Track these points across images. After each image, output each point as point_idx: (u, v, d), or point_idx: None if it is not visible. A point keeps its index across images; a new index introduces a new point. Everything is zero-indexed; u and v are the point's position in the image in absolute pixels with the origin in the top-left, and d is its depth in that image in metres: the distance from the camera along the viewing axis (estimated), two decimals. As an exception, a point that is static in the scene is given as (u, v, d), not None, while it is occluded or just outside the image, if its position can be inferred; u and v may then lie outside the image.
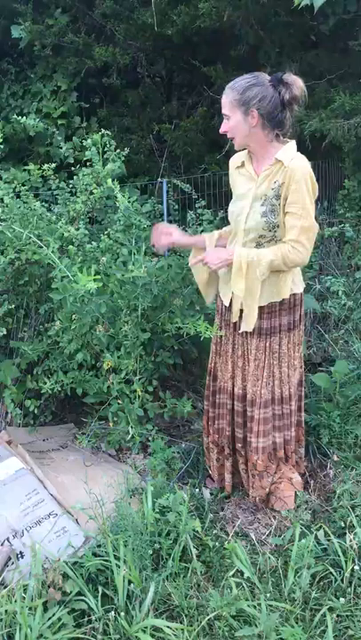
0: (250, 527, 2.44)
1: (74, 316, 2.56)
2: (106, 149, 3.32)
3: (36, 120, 3.36)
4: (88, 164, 3.27)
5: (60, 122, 5.71)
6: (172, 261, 2.77)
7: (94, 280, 2.28)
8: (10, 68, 5.98)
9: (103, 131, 3.26)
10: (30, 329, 3.16)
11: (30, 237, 2.62)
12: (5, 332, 3.06)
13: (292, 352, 2.49)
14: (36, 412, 2.84)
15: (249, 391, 2.47)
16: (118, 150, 3.31)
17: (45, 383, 2.65)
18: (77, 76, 5.71)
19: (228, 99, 2.20)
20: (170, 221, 3.65)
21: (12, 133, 5.38)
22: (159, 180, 3.61)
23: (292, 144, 2.25)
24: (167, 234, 2.44)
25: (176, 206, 3.77)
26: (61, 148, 5.46)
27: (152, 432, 2.70)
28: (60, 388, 2.69)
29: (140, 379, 2.62)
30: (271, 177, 2.24)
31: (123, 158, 3.35)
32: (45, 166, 3.21)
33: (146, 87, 5.36)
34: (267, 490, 2.50)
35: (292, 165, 2.18)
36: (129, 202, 3.03)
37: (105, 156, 3.35)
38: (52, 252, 2.61)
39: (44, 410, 3.02)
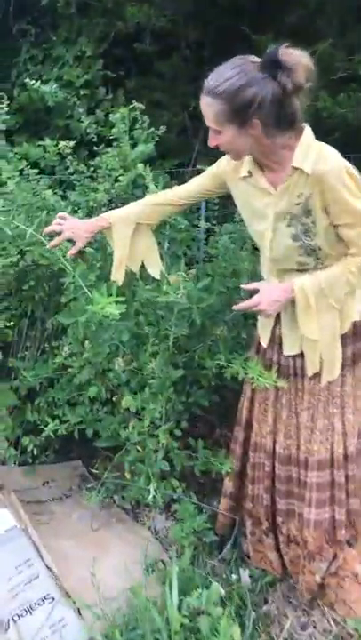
0: (302, 633, 1.88)
1: (87, 342, 1.98)
2: (137, 127, 2.71)
3: (56, 87, 2.75)
4: (115, 143, 2.66)
5: (82, 92, 5.06)
6: (212, 277, 2.18)
7: (116, 303, 1.69)
8: (29, 28, 5.32)
9: (135, 103, 2.64)
10: (34, 344, 2.58)
11: (36, 236, 2.04)
12: (2, 345, 2.51)
13: (358, 391, 1.91)
14: (35, 452, 2.27)
15: (300, 449, 1.90)
16: (152, 129, 2.70)
17: (47, 423, 2.08)
18: (105, 41, 5.06)
19: (211, 109, 1.59)
20: (207, 218, 3.03)
21: (28, 102, 4.77)
22: (195, 166, 2.98)
23: (308, 136, 1.65)
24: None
25: (217, 199, 3.16)
26: (83, 121, 4.83)
27: (178, 489, 2.14)
28: (65, 430, 2.12)
29: (165, 423, 2.05)
30: (292, 189, 1.67)
31: (157, 138, 2.75)
32: (63, 143, 2.61)
33: (182, 56, 4.70)
34: (318, 578, 1.93)
35: (318, 172, 1.60)
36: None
37: (132, 134, 2.74)
38: (64, 257, 2.03)
39: (45, 449, 2.46)
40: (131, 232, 1.98)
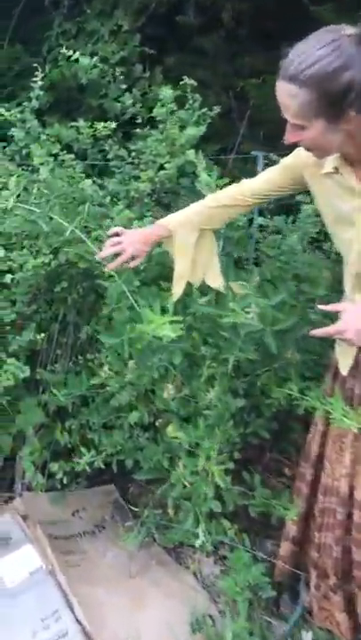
0: None
1: (131, 363, 1.68)
2: (187, 107, 2.38)
3: (95, 60, 2.43)
4: (161, 125, 2.33)
5: (118, 69, 4.70)
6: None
7: (171, 323, 1.38)
8: (62, 0, 4.98)
9: (186, 79, 2.31)
10: (65, 353, 2.29)
11: (76, 232, 1.73)
12: (30, 354, 2.21)
13: None
14: (65, 480, 1.98)
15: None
16: (205, 109, 2.37)
17: (80, 451, 1.79)
18: (143, 14, 4.69)
19: (295, 100, 1.24)
20: (260, 212, 2.69)
21: (60, 79, 4.43)
22: (254, 152, 2.63)
23: None
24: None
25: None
26: (120, 101, 4.49)
27: (230, 531, 1.83)
28: (101, 461, 1.83)
29: (218, 456, 1.74)
30: None
31: (209, 120, 2.41)
32: (103, 124, 2.29)
33: (229, 30, 4.31)
34: None
35: None
36: (216, 185, 2.10)
37: (176, 114, 2.40)
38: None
39: (76, 476, 2.17)
40: (194, 240, 1.68)
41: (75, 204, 2.04)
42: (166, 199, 2.55)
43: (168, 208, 2.56)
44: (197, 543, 1.73)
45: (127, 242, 1.68)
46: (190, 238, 1.69)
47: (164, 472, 1.88)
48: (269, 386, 1.61)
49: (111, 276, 1.68)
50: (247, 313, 1.42)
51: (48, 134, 3.78)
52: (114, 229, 1.73)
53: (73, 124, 2.92)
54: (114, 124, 2.26)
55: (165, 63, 4.57)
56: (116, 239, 1.70)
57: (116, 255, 1.68)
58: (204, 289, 1.75)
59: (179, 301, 1.70)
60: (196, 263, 1.72)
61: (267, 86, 3.91)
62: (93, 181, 2.24)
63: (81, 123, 2.72)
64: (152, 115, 2.50)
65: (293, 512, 1.70)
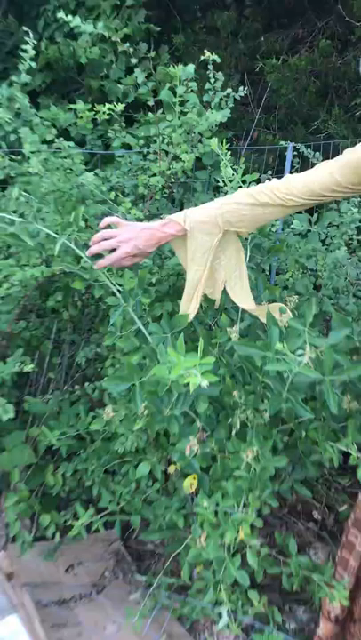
0: None
1: (142, 406, 1.33)
2: (208, 88, 2.02)
3: (101, 26, 2.09)
4: (179, 108, 1.97)
5: (120, 48, 4.30)
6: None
7: (201, 366, 1.03)
8: (60, -29, 4.57)
9: (207, 54, 1.94)
10: (59, 377, 1.94)
11: (69, 246, 1.37)
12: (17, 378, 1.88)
13: None
14: (57, 537, 1.64)
15: None
16: (229, 90, 2.01)
17: (79, 513, 1.45)
18: (148, -13, 4.30)
19: None
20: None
21: (58, 58, 4.05)
22: (285, 142, 2.27)
23: None
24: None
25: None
26: (121, 83, 4.11)
27: (258, 605, 1.50)
28: (100, 524, 1.49)
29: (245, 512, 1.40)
30: None
31: (231, 104, 2.05)
32: (106, 107, 1.93)
33: (241, 7, 3.93)
34: None
35: None
36: (243, 182, 1.76)
37: (182, 98, 2.04)
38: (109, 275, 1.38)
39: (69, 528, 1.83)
40: (215, 243, 1.32)
41: (72, 202, 1.68)
42: (179, 195, 2.20)
43: (182, 206, 2.20)
44: (220, 625, 1.40)
45: (125, 236, 1.32)
46: (210, 240, 1.34)
47: (177, 532, 1.56)
48: (320, 441, 1.27)
49: (113, 294, 1.34)
50: (299, 355, 1.07)
51: (42, 117, 3.39)
52: (107, 219, 1.37)
53: (71, 106, 2.56)
54: (121, 106, 1.89)
55: (174, 41, 4.20)
56: (108, 232, 1.34)
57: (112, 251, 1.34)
58: (228, 306, 1.41)
59: (203, 329, 1.36)
60: (217, 273, 1.38)
61: (286, 68, 3.55)
62: (95, 174, 1.88)
63: (80, 105, 2.36)
64: (158, 98, 2.15)
65: (342, 593, 1.37)
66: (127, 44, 3.19)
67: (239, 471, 1.26)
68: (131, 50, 3.89)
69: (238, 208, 1.32)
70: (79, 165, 1.70)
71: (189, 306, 1.36)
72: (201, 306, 1.46)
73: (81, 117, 2.30)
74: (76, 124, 2.73)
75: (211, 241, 1.34)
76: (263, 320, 1.35)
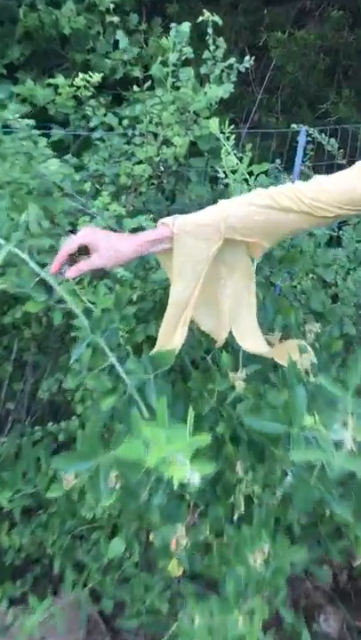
0: None
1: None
2: (207, 58, 1.66)
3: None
4: (172, 81, 1.61)
5: (108, 19, 3.90)
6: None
7: (191, 447, 0.70)
8: None
9: (207, 14, 1.59)
10: (19, 409, 1.61)
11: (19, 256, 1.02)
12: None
13: None
14: (10, 614, 1.32)
15: None
16: (232, 60, 1.65)
17: (33, 607, 1.12)
18: None
19: None
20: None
21: (38, 27, 3.65)
22: (296, 126, 1.92)
23: None
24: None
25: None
26: (109, 57, 3.73)
27: None
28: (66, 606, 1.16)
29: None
30: None
31: (233, 78, 1.69)
32: (80, 77, 1.58)
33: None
34: None
35: None
36: (250, 174, 1.42)
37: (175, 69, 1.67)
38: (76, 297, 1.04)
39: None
40: (212, 252, 0.98)
41: (35, 196, 1.33)
42: (170, 187, 1.84)
43: (173, 200, 1.85)
44: None
45: (103, 247, 0.97)
46: (205, 249, 1.00)
47: (161, 617, 1.23)
48: (352, 526, 0.94)
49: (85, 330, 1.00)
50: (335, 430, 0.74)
51: (18, 94, 3.02)
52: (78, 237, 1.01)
53: (50, 80, 2.19)
54: (97, 76, 1.53)
55: (168, 11, 3.82)
56: (76, 241, 0.99)
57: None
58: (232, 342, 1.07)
59: (196, 373, 1.02)
60: (221, 303, 1.04)
61: (292, 42, 3.18)
62: (65, 160, 1.53)
63: (60, 79, 2.00)
64: (149, 73, 1.80)
65: None
66: (116, 15, 2.81)
67: (242, 568, 0.93)
68: (120, 21, 3.46)
69: (250, 211, 0.97)
70: (43, 150, 1.35)
71: (173, 335, 1.02)
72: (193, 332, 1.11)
73: (60, 94, 1.95)
74: (54, 101, 2.37)
75: (207, 249, 0.99)
76: (280, 362, 1.02)
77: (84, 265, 0.97)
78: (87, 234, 0.98)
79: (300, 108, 3.56)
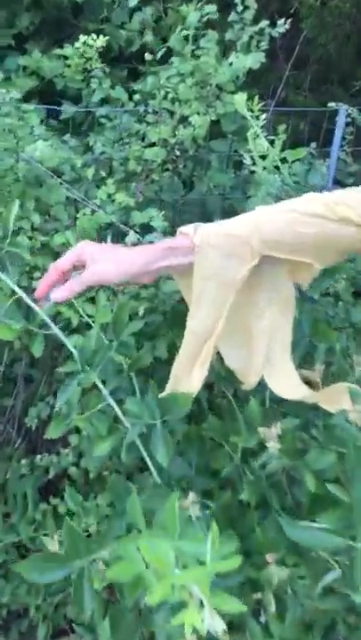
0: None
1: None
2: (233, 20, 1.41)
3: None
4: (192, 48, 1.36)
5: (124, -16, 3.61)
6: None
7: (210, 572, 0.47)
8: None
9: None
10: (9, 426, 1.40)
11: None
12: None
13: None
14: None
15: None
16: (265, 24, 1.40)
17: None
18: None
19: None
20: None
21: (49, -6, 3.39)
22: (335, 104, 1.65)
23: None
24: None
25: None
26: (125, 27, 3.44)
27: None
28: None
29: None
30: None
31: (264, 45, 1.44)
32: (82, 40, 1.34)
33: None
34: None
35: None
36: (282, 160, 1.18)
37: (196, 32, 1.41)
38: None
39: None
40: (243, 274, 0.75)
41: (24, 184, 1.10)
42: (187, 173, 1.60)
43: (191, 188, 1.61)
44: None
45: (104, 258, 0.75)
46: (234, 269, 0.76)
47: None
48: None
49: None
50: None
51: (25, 66, 2.78)
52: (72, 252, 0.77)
53: (58, 51, 1.95)
54: (102, 40, 1.29)
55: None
56: (69, 258, 0.76)
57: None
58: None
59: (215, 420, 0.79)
60: (255, 339, 0.80)
61: (326, 11, 2.89)
62: (63, 141, 1.30)
63: (68, 49, 1.76)
64: (168, 45, 1.54)
65: None
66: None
67: None
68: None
69: (294, 221, 0.73)
70: (32, 129, 1.11)
71: (190, 376, 0.79)
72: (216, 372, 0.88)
73: (69, 66, 1.72)
74: (63, 75, 2.14)
75: (236, 269, 0.75)
76: (325, 407, 0.79)
77: (76, 283, 0.75)
78: (84, 247, 0.75)
79: (331, 86, 3.27)
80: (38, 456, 1.19)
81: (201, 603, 0.50)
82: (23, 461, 1.21)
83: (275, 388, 0.77)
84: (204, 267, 0.75)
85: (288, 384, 0.78)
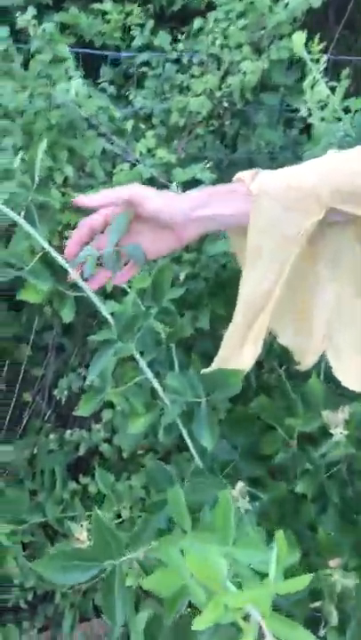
0: None
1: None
2: None
3: None
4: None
5: None
6: None
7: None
8: None
9: None
10: (39, 397, 1.32)
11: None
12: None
13: None
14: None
15: None
16: None
17: None
18: None
19: None
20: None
21: None
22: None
23: None
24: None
25: None
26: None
27: None
28: None
29: None
30: None
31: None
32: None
33: None
34: None
35: None
36: (345, 110, 1.05)
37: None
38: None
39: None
40: (306, 228, 0.63)
41: (56, 133, 1.00)
42: (234, 129, 1.47)
43: (234, 147, 1.48)
44: None
45: (152, 207, 0.63)
46: (297, 223, 0.63)
47: None
48: None
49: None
50: None
51: (62, 23, 2.65)
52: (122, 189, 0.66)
53: (96, 5, 1.83)
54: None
55: None
56: (120, 193, 0.65)
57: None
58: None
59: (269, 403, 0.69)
60: (316, 309, 0.68)
61: None
62: (103, 90, 1.19)
63: (107, 4, 1.66)
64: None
65: None
66: None
67: None
68: None
69: None
70: (66, 70, 1.00)
71: (242, 350, 0.68)
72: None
73: (109, 21, 1.61)
74: (101, 32, 2.00)
75: (299, 224, 0.63)
76: None
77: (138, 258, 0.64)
78: (133, 186, 0.64)
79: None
80: (68, 431, 1.10)
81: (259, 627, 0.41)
82: (52, 436, 1.13)
83: (342, 378, 0.65)
84: (261, 218, 0.64)
85: (354, 368, 0.66)
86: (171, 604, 0.44)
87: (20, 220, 0.65)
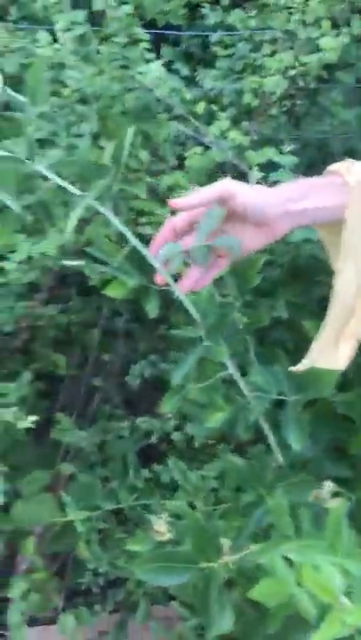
0: None
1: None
2: None
3: None
4: None
5: None
6: None
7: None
8: None
9: None
10: (108, 383, 1.33)
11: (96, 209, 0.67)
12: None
13: None
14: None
15: None
16: None
17: None
18: None
19: None
20: None
21: None
22: None
23: None
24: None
25: None
26: None
27: None
28: None
29: None
30: None
31: None
32: None
33: None
34: None
35: None
36: None
37: None
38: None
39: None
40: None
41: (131, 117, 0.98)
42: (305, 109, 1.42)
43: (305, 128, 1.42)
44: None
45: (244, 202, 0.59)
46: None
47: None
48: None
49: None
50: None
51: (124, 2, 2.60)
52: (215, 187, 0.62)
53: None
54: None
55: None
56: (213, 191, 0.61)
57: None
58: None
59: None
60: None
61: None
62: (176, 72, 1.16)
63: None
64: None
65: None
66: None
67: None
68: None
69: None
70: (142, 53, 0.97)
71: (335, 349, 0.65)
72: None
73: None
74: (165, 11, 1.96)
75: None
76: None
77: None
78: (227, 182, 0.60)
79: None
80: (139, 418, 1.10)
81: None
82: (122, 423, 1.13)
83: None
84: (358, 210, 0.60)
85: None
86: (275, 615, 0.42)
87: (110, 216, 0.63)
